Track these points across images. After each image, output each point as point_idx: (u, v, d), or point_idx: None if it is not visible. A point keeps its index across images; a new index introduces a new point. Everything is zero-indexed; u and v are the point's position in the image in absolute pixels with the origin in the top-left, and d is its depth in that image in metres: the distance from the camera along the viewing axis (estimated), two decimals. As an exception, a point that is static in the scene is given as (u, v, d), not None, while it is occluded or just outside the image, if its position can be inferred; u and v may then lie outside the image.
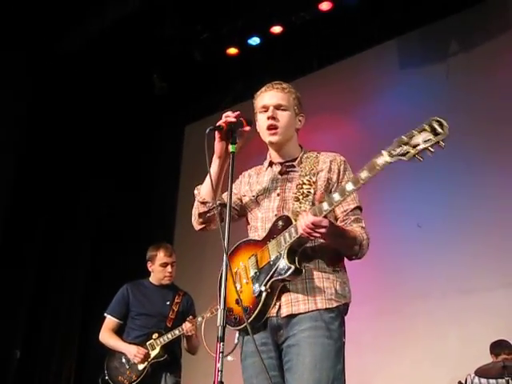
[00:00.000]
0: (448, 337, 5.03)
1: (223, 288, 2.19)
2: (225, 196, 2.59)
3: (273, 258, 2.43)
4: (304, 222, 2.30)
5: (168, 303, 4.46)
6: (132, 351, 4.28)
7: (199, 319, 4.27)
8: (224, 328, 2.14)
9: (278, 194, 2.61)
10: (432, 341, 5.08)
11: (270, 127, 2.60)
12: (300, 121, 2.72)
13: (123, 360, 4.35)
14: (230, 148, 2.41)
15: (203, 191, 2.61)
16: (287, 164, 2.66)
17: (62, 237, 6.86)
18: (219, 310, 2.17)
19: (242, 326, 2.46)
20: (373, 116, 5.87)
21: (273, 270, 2.41)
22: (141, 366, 4.28)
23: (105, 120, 6.92)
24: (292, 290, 2.44)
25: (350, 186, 2.27)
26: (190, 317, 4.32)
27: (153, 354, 4.30)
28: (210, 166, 2.42)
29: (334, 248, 2.48)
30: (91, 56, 6.63)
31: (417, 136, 2.09)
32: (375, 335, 5.30)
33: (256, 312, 2.40)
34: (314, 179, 2.56)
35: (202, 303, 4.60)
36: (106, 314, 4.47)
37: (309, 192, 2.52)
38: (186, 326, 4.27)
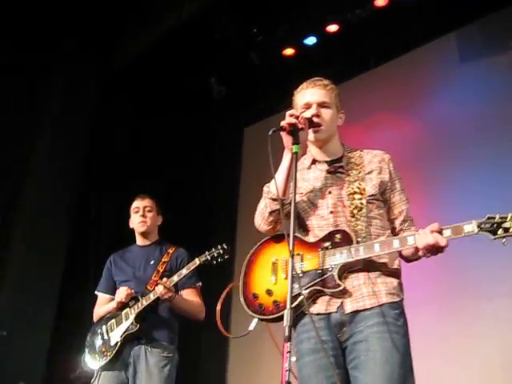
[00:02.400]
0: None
1: (289, 287, 2.19)
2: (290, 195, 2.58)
3: (323, 267, 2.45)
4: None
5: (152, 263, 3.96)
6: (115, 299, 3.85)
7: (174, 278, 3.71)
8: (291, 328, 2.13)
9: (330, 192, 2.60)
10: (500, 342, 4.95)
11: (315, 125, 2.59)
12: (341, 118, 2.72)
13: (99, 333, 3.90)
14: (293, 148, 2.42)
15: (274, 188, 2.54)
16: (336, 165, 2.65)
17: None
18: (286, 310, 2.16)
19: (264, 317, 2.49)
20: (433, 112, 5.77)
21: (318, 279, 2.43)
22: (113, 341, 3.78)
23: (164, 126, 7.02)
24: (356, 285, 2.44)
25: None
26: (164, 279, 3.73)
27: (125, 325, 3.76)
28: (273, 167, 2.42)
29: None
30: (148, 63, 6.74)
31: (510, 221, 2.17)
32: (442, 336, 5.20)
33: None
34: (363, 185, 2.56)
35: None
36: (95, 292, 4.13)
37: (361, 204, 2.52)
38: (158, 289, 3.68)
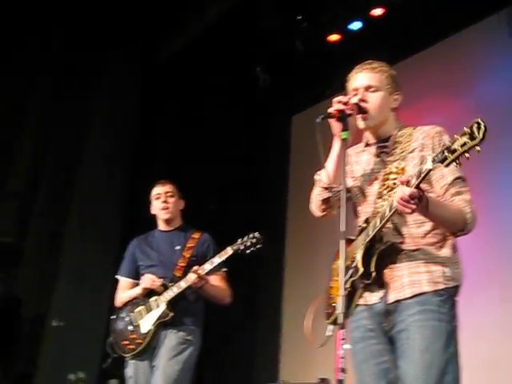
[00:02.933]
0: None
1: (341, 274, 2.20)
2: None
3: (354, 257, 2.45)
4: (399, 194, 2.24)
5: (178, 248, 3.93)
6: (141, 285, 3.81)
7: (206, 266, 3.68)
8: (344, 315, 2.15)
9: (376, 178, 2.58)
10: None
11: (362, 110, 2.55)
12: (396, 99, 2.64)
13: (127, 320, 3.84)
14: (342, 135, 2.41)
15: (325, 176, 2.56)
16: (380, 145, 2.61)
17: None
18: (340, 297, 2.18)
19: (330, 321, 2.53)
20: (486, 93, 5.63)
21: (350, 271, 2.43)
22: (144, 328, 3.74)
23: (211, 117, 7.08)
24: (398, 275, 2.43)
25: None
26: (195, 267, 3.69)
27: (156, 313, 3.74)
28: (323, 155, 2.42)
29: (437, 227, 2.44)
30: (193, 55, 6.82)
31: (458, 140, 2.04)
32: (499, 322, 5.10)
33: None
34: (402, 165, 2.50)
35: (313, 293, 4.46)
36: (116, 277, 4.10)
37: (394, 184, 2.46)
38: (190, 278, 3.67)
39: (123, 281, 4.04)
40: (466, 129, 2.02)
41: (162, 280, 3.79)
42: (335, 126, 2.48)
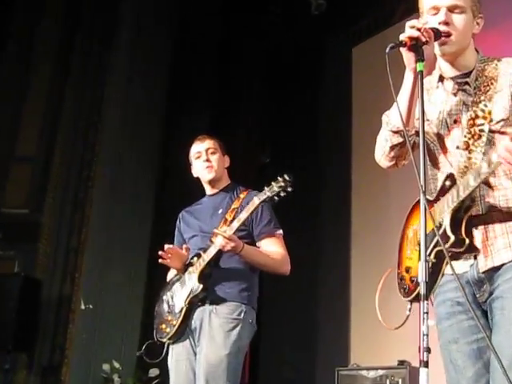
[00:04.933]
0: None
1: (422, 236, 2.16)
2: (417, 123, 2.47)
3: (437, 224, 2.39)
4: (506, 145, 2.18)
5: (220, 211, 3.91)
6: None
7: (234, 224, 3.65)
8: (427, 284, 2.13)
9: (456, 121, 2.53)
10: None
11: (443, 35, 2.46)
12: (478, 24, 2.56)
13: (164, 300, 3.92)
14: (418, 66, 2.34)
15: (394, 117, 2.51)
16: (459, 81, 2.55)
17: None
18: (421, 263, 2.17)
19: (411, 297, 2.49)
20: None
21: (436, 239, 2.38)
22: (178, 307, 3.78)
23: (264, 51, 7.24)
24: (491, 237, 2.41)
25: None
26: (223, 227, 3.69)
27: (188, 287, 3.76)
28: (394, 90, 2.35)
29: None
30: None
31: None
32: None
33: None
34: (489, 107, 2.44)
35: (382, 262, 4.45)
36: None
37: (481, 132, 2.42)
38: (217, 240, 3.64)
39: None
40: None
41: (188, 249, 3.82)
42: (408, 56, 2.40)
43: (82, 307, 5.99)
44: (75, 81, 6.69)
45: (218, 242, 3.63)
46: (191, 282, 3.74)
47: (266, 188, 3.59)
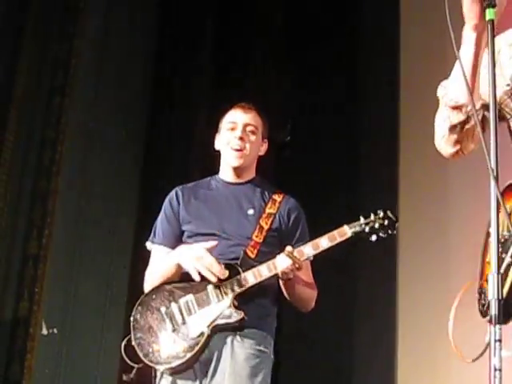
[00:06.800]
0: None
1: (493, 237, 2.05)
2: (485, 94, 2.33)
3: None
4: None
5: (251, 212, 3.68)
6: (195, 266, 3.45)
7: (307, 251, 3.49)
8: (500, 302, 2.03)
9: None
10: None
11: None
12: None
13: (163, 312, 3.53)
14: (488, 14, 2.18)
15: (454, 90, 2.43)
16: None
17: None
18: (491, 276, 2.06)
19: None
20: None
21: None
22: (195, 330, 3.46)
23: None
24: None
25: None
26: (289, 248, 3.42)
27: (217, 309, 3.47)
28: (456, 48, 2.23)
29: None
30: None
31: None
32: None
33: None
34: None
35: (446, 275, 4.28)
36: (146, 244, 3.83)
37: None
38: (281, 263, 3.42)
39: (159, 251, 3.76)
40: None
41: (218, 261, 3.49)
42: (470, 4, 2.26)
43: (44, 332, 5.85)
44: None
45: (281, 265, 3.43)
46: (222, 305, 3.47)
47: (362, 219, 3.53)
